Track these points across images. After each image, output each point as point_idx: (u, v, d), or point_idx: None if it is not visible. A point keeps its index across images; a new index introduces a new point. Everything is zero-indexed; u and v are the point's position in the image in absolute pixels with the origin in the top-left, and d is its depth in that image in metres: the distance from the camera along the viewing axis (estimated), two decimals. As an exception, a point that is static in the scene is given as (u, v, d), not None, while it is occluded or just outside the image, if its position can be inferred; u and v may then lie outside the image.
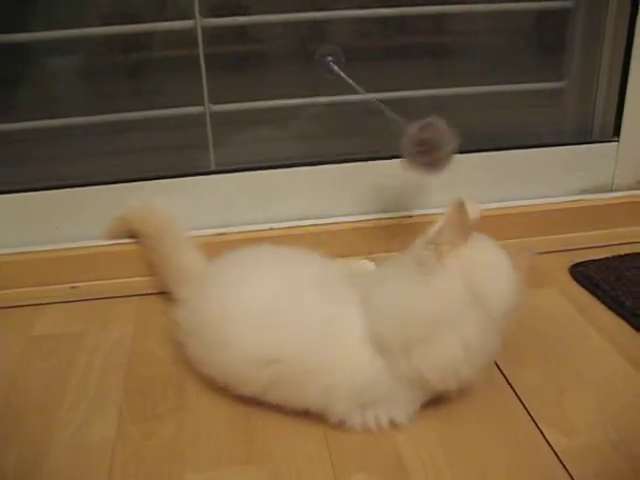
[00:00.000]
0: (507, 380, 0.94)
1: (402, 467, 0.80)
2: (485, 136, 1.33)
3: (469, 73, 1.37)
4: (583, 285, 1.14)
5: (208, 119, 1.24)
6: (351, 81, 1.05)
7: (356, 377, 0.83)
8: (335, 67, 1.07)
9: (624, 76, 1.25)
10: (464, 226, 0.82)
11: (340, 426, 0.85)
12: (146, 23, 1.22)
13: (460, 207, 0.80)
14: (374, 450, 0.83)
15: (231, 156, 1.26)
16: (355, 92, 1.15)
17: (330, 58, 1.09)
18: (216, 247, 1.12)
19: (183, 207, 1.17)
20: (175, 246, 1.08)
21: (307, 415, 0.86)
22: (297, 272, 0.93)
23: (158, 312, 1.09)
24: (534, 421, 0.86)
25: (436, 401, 0.87)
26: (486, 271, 0.83)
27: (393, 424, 0.85)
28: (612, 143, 1.28)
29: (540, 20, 1.38)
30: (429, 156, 0.99)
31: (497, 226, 1.20)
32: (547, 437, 0.84)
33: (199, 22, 1.17)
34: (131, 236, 1.14)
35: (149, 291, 1.14)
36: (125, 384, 0.95)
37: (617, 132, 1.28)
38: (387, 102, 1.26)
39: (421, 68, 1.37)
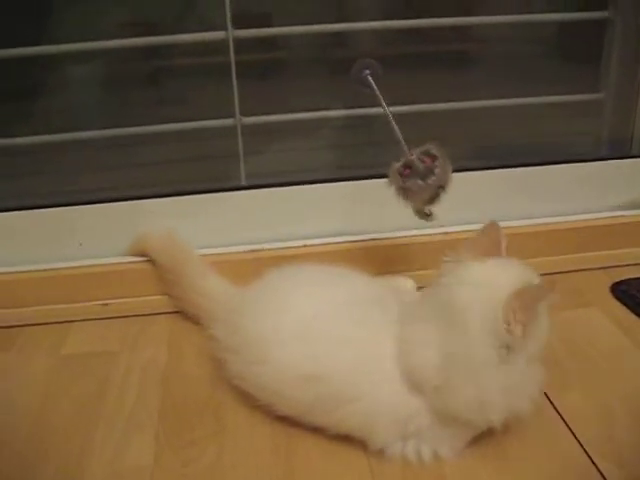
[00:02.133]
0: (554, 407, 0.91)
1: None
2: (520, 150, 1.31)
3: (503, 84, 1.34)
4: (626, 304, 1.11)
5: (239, 132, 1.22)
6: (380, 96, 1.02)
7: (399, 406, 0.81)
8: (372, 81, 1.04)
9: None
10: (491, 243, 0.84)
11: (381, 455, 0.82)
12: (177, 34, 1.19)
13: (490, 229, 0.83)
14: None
15: (262, 170, 1.24)
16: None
17: (367, 72, 1.06)
18: (249, 264, 1.11)
19: (213, 224, 1.16)
20: (196, 275, 1.06)
21: (349, 441, 0.84)
22: (340, 291, 0.91)
23: (191, 330, 1.07)
24: (585, 451, 0.83)
25: (485, 434, 0.84)
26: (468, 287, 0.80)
27: (437, 458, 0.82)
28: (651, 158, 1.25)
29: (577, 30, 1.35)
30: (407, 181, 0.95)
31: (534, 243, 1.19)
32: (600, 469, 0.81)
33: (231, 33, 1.15)
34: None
35: (182, 309, 1.12)
36: (161, 407, 0.92)
37: (656, 145, 1.26)
38: (415, 115, 1.25)
39: (453, 78, 1.35)
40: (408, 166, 0.95)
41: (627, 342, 1.03)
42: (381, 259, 1.14)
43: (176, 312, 1.12)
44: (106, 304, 1.11)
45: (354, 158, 1.28)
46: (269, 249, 1.14)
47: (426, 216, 1.00)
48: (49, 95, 1.24)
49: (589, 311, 1.11)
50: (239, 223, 1.17)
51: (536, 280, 0.80)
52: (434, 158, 0.95)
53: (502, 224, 1.16)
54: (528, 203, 1.23)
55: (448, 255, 0.85)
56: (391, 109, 1.10)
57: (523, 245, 1.17)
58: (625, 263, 1.22)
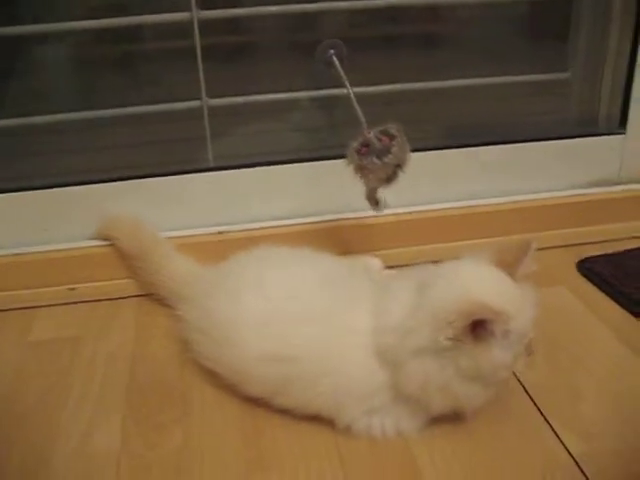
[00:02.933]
0: (521, 384, 0.92)
1: (415, 469, 0.78)
2: (488, 129, 1.31)
3: (470, 64, 1.34)
4: (592, 281, 1.12)
5: (206, 113, 1.21)
6: (344, 76, 1.01)
7: (366, 381, 0.81)
8: (336, 61, 1.04)
9: (631, 66, 1.23)
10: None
11: (347, 432, 0.83)
12: (141, 15, 1.17)
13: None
14: (387, 458, 0.81)
15: (229, 151, 1.23)
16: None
17: (332, 51, 1.06)
18: (216, 246, 1.10)
19: (180, 206, 1.15)
20: (162, 258, 1.05)
21: (316, 420, 0.84)
22: (307, 271, 0.92)
23: (159, 313, 1.06)
24: (550, 426, 0.85)
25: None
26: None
27: (400, 434, 0.83)
28: (618, 135, 1.26)
29: (544, 8, 1.35)
30: (364, 159, 0.96)
31: (501, 221, 1.20)
32: (565, 442, 0.82)
33: (195, 14, 1.13)
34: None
35: (149, 291, 1.11)
36: (128, 390, 0.92)
37: (623, 124, 1.26)
38: (385, 95, 1.25)
39: (420, 59, 1.34)
40: (366, 145, 0.96)
41: (593, 319, 1.05)
42: (347, 239, 1.14)
43: (144, 295, 1.11)
44: (73, 288, 1.10)
45: (321, 139, 1.27)
46: (236, 231, 1.13)
47: (376, 203, 1.01)
48: (14, 78, 1.22)
49: (556, 289, 1.12)
50: (206, 205, 1.16)
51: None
52: (392, 137, 0.95)
53: (469, 203, 1.19)
54: (494, 182, 1.23)
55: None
56: (363, 90, 1.11)
57: (489, 223, 1.20)
58: (591, 241, 1.23)
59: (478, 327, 0.75)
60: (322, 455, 0.81)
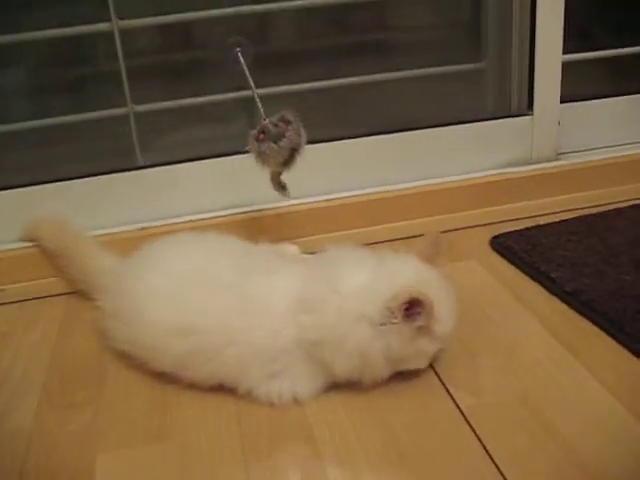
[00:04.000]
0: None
1: (310, 435, 0.82)
2: (406, 117, 1.36)
3: (393, 60, 1.40)
4: (502, 255, 1.17)
5: (132, 119, 1.26)
6: (247, 71, 1.07)
7: (269, 345, 0.85)
8: (240, 57, 1.09)
9: (532, 53, 1.30)
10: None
11: (248, 396, 0.86)
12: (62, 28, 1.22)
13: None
14: (283, 423, 0.84)
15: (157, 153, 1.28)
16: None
17: (238, 49, 1.11)
18: (140, 241, 1.13)
19: (105, 204, 1.19)
20: (87, 256, 1.09)
21: (221, 391, 0.88)
22: (213, 249, 0.97)
23: (84, 308, 1.10)
24: (443, 384, 0.88)
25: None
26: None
27: (296, 399, 0.87)
28: (527, 117, 1.32)
29: (460, 4, 1.41)
30: (262, 145, 1.01)
31: (418, 204, 1.24)
32: (454, 397, 0.86)
33: (116, 24, 1.19)
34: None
35: (77, 289, 1.15)
36: (46, 378, 0.96)
37: (531, 106, 1.31)
38: (303, 93, 1.30)
39: (349, 63, 1.40)
40: (263, 131, 1.01)
41: (500, 288, 1.09)
42: (266, 229, 1.19)
43: (71, 293, 1.15)
44: (2, 290, 1.14)
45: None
46: (158, 226, 1.18)
47: (281, 188, 1.07)
48: None
49: (467, 263, 1.16)
50: (129, 203, 1.20)
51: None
52: (288, 123, 1.00)
53: (386, 188, 1.24)
54: (411, 166, 1.29)
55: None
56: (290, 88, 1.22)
57: (407, 206, 1.24)
58: (505, 219, 1.27)
59: (412, 312, 0.82)
60: (222, 423, 0.84)
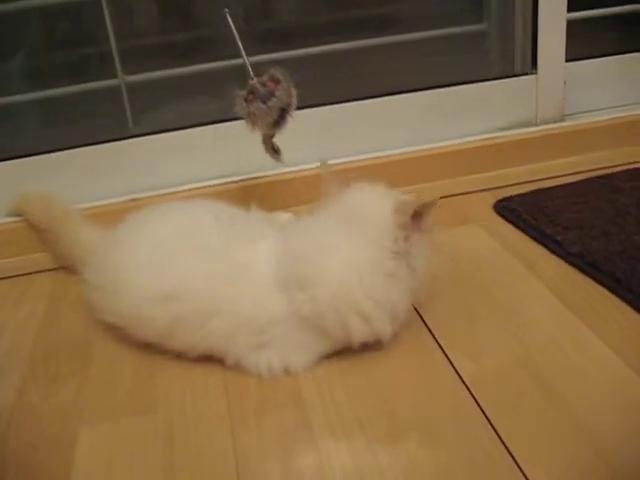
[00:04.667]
0: (420, 315, 0.92)
1: (301, 404, 0.78)
2: (410, 84, 1.31)
3: (395, 21, 1.35)
4: (506, 218, 1.12)
5: (124, 90, 1.23)
6: (235, 31, 1.02)
7: (258, 314, 0.82)
8: (228, 17, 1.05)
9: (535, 10, 1.24)
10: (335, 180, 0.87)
11: (236, 367, 0.83)
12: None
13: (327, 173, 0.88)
14: (272, 392, 0.81)
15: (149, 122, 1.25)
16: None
17: (227, 10, 1.07)
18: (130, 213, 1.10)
19: (95, 176, 1.16)
20: (73, 231, 1.06)
21: (208, 361, 0.85)
22: (199, 217, 0.92)
23: (74, 283, 1.06)
24: (442, 349, 0.84)
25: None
26: (361, 201, 0.85)
27: (287, 371, 0.83)
28: (531, 76, 1.26)
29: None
30: (251, 106, 0.96)
31: (419, 169, 1.20)
32: (453, 362, 0.82)
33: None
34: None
35: (64, 264, 1.11)
36: (32, 351, 0.93)
37: (534, 65, 1.26)
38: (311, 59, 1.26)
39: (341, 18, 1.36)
40: (251, 92, 0.96)
41: (503, 252, 1.04)
42: (261, 198, 1.14)
43: (60, 268, 1.12)
44: (-10, 265, 1.12)
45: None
46: (149, 197, 1.14)
47: (274, 152, 1.03)
48: None
49: (469, 227, 1.12)
50: (120, 173, 1.17)
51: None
52: (277, 82, 0.96)
53: (385, 152, 1.19)
54: (411, 129, 1.24)
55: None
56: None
57: (407, 172, 1.20)
58: (510, 183, 1.22)
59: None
60: (209, 394, 0.81)
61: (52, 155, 1.16)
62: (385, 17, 1.39)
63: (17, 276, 1.12)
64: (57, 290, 1.08)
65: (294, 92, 0.97)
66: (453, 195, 1.20)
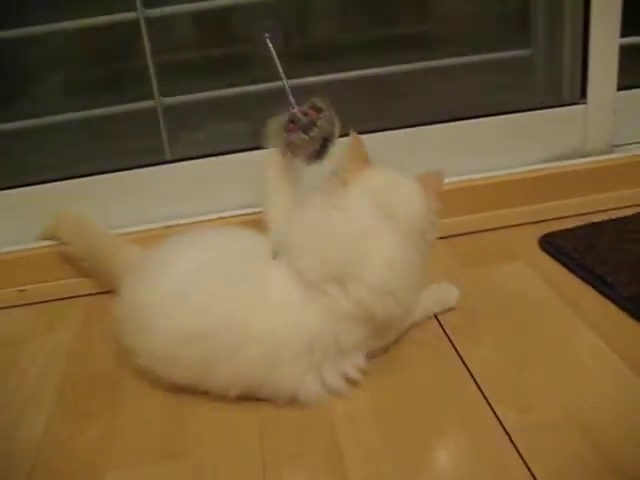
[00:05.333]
0: (459, 355, 0.88)
1: (337, 453, 0.74)
2: (452, 107, 1.27)
3: (435, 46, 1.32)
4: (552, 255, 1.07)
5: (160, 112, 1.21)
6: (275, 56, 0.99)
7: (300, 331, 0.79)
8: (269, 42, 1.02)
9: (585, 37, 1.19)
10: (362, 153, 0.84)
11: (271, 402, 0.80)
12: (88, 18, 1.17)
13: (357, 140, 0.85)
14: (308, 437, 0.77)
15: (185, 148, 1.23)
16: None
17: (267, 34, 1.04)
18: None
19: (129, 201, 1.14)
20: (109, 255, 1.04)
21: (241, 401, 0.82)
22: (223, 247, 0.89)
23: (105, 311, 1.04)
24: (485, 397, 0.80)
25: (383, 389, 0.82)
26: (391, 188, 0.83)
27: (348, 380, 0.82)
28: (580, 106, 1.21)
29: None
30: (291, 135, 0.93)
31: (464, 200, 1.16)
32: (497, 413, 0.77)
33: (141, 12, 1.14)
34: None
35: (98, 290, 1.10)
36: (61, 385, 0.91)
37: (584, 94, 1.21)
38: (354, 81, 1.23)
39: (392, 56, 1.32)
40: (292, 121, 0.93)
41: (549, 292, 1.00)
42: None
43: (93, 294, 1.10)
44: (22, 290, 1.10)
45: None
46: (183, 224, 1.11)
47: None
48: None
49: (514, 265, 1.07)
50: (155, 199, 1.15)
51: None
52: (319, 111, 0.93)
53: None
54: (455, 159, 1.20)
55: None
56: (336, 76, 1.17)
57: (451, 202, 1.15)
58: (556, 216, 1.17)
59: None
60: (242, 436, 0.78)
61: (85, 179, 1.14)
62: (427, 35, 1.35)
63: (48, 302, 1.11)
64: (88, 318, 1.06)
65: (337, 122, 0.94)
66: (497, 228, 1.16)
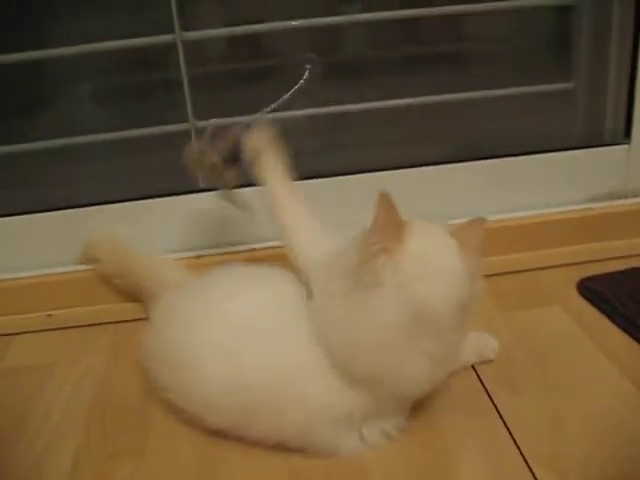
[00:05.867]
0: (497, 409, 0.85)
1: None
2: (491, 143, 1.25)
3: (472, 77, 1.29)
4: (591, 301, 1.05)
5: (193, 136, 1.19)
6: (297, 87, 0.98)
7: (339, 398, 0.77)
8: (305, 75, 1.00)
9: (632, 74, 1.16)
10: (395, 224, 0.73)
11: (305, 451, 0.79)
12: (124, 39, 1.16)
13: (386, 202, 0.71)
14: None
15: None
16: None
17: (308, 66, 1.03)
18: (194, 272, 1.06)
19: (164, 228, 1.13)
20: (146, 270, 1.04)
21: (275, 449, 0.80)
22: (267, 293, 0.87)
23: (134, 340, 1.03)
24: (523, 456, 0.78)
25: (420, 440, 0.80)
26: (424, 279, 0.72)
27: (388, 437, 0.80)
28: (623, 146, 1.18)
29: (545, 19, 1.29)
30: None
31: (502, 239, 1.13)
32: (537, 475, 0.75)
33: (179, 36, 1.12)
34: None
35: (127, 318, 1.09)
36: (88, 418, 0.89)
37: (628, 134, 1.18)
38: (383, 111, 1.21)
39: (424, 74, 1.30)
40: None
41: (589, 343, 0.97)
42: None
43: (121, 321, 1.09)
44: (50, 315, 1.09)
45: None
46: (213, 254, 1.10)
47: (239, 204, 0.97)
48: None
49: (550, 310, 1.04)
50: (187, 228, 1.14)
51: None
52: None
53: (460, 221, 1.12)
54: (489, 198, 1.17)
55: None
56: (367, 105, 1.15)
57: (491, 241, 1.12)
58: (596, 259, 1.14)
59: None
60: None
61: (121, 205, 1.13)
62: (462, 54, 1.33)
63: (75, 327, 1.09)
64: (116, 347, 1.04)
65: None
66: (534, 269, 1.13)
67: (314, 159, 1.23)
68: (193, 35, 1.14)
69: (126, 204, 1.14)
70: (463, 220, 0.77)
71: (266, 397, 0.78)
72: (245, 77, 1.27)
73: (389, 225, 0.72)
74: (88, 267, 1.09)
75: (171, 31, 1.11)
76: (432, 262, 0.74)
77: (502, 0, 1.17)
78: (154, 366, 0.88)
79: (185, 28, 1.11)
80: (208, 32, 1.17)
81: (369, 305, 0.72)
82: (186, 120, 1.17)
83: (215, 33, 1.18)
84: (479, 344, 0.93)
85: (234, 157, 0.92)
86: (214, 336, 0.82)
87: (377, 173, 1.17)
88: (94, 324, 1.09)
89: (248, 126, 0.92)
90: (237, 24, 1.17)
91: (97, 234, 1.10)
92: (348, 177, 1.17)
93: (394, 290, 0.71)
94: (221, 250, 1.11)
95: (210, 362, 0.80)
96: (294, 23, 1.17)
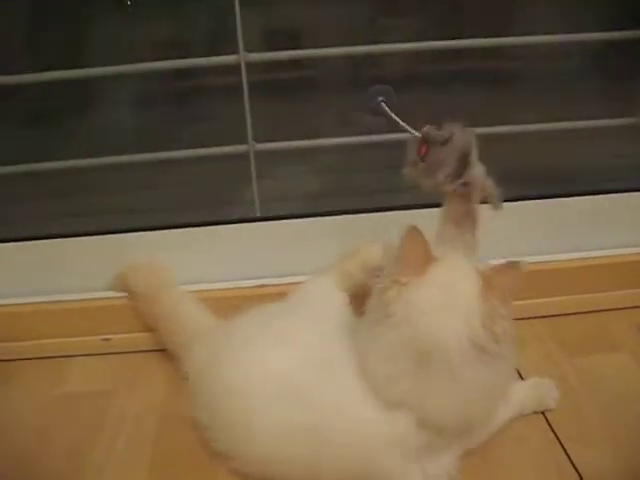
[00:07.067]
0: (572, 463, 0.83)
1: None
2: (549, 179, 1.23)
3: (533, 107, 1.26)
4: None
5: (252, 157, 1.17)
6: (403, 123, 0.93)
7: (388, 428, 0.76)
8: (387, 108, 0.98)
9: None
10: (419, 258, 0.73)
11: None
12: (188, 59, 1.15)
13: (412, 236, 0.72)
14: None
15: (275, 199, 1.19)
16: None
17: (381, 99, 1.00)
18: (256, 301, 1.05)
19: (220, 256, 1.11)
20: (178, 304, 1.01)
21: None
22: (317, 338, 0.85)
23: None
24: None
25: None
26: (433, 313, 0.72)
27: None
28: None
29: (612, 50, 1.26)
30: (427, 157, 0.82)
31: (562, 280, 1.11)
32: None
33: (243, 57, 1.10)
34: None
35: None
36: (153, 453, 0.88)
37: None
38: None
39: (481, 100, 1.27)
40: (425, 140, 0.83)
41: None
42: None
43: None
44: (107, 339, 1.08)
45: (364, 182, 1.22)
46: (277, 284, 1.08)
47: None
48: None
49: (618, 357, 1.03)
50: (241, 256, 1.12)
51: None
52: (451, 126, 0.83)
53: (528, 259, 1.10)
54: (551, 237, 1.15)
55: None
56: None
57: (545, 283, 1.11)
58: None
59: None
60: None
61: (167, 232, 1.11)
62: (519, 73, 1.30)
63: (133, 352, 1.07)
64: (174, 375, 1.01)
65: (473, 133, 0.83)
66: (598, 311, 1.11)
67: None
68: (256, 57, 1.12)
69: (176, 231, 1.12)
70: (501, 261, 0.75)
71: (322, 436, 0.77)
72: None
73: (412, 259, 0.73)
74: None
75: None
76: (445, 297, 0.73)
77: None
78: (201, 415, 0.87)
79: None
80: (272, 54, 1.15)
81: (376, 335, 0.74)
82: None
83: (278, 55, 1.16)
84: (540, 391, 0.92)
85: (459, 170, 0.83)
86: (271, 381, 0.81)
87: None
88: (150, 350, 1.07)
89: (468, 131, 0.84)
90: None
91: (135, 263, 1.07)
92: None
93: (401, 321, 0.72)
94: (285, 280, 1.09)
95: (269, 409, 0.79)
96: (359, 49, 1.15)
